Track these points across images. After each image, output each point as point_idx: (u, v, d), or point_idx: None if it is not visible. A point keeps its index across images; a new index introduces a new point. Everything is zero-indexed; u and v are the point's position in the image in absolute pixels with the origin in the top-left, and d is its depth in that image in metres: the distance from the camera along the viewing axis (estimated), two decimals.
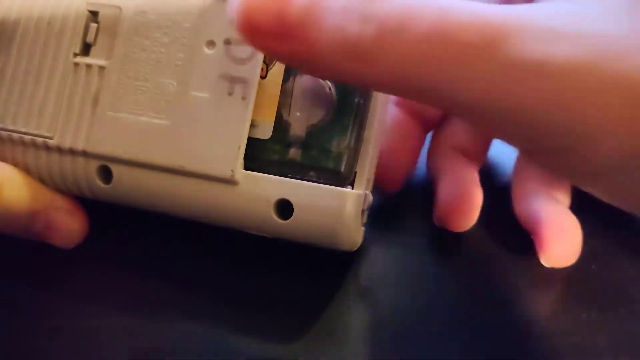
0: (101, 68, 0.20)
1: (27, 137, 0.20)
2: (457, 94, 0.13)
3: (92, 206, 0.21)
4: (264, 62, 0.19)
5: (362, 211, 0.20)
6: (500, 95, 0.13)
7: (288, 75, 0.19)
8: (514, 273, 0.22)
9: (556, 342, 0.20)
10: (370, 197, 0.20)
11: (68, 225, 0.21)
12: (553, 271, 0.21)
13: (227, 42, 0.19)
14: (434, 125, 0.24)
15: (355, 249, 0.20)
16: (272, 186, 0.18)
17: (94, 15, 0.20)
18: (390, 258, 0.22)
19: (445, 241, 0.23)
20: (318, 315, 0.21)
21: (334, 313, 0.21)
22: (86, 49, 0.20)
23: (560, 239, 0.20)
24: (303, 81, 0.19)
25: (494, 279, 0.22)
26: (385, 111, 0.21)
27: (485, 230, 0.23)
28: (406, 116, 0.23)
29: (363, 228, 0.21)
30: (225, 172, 0.18)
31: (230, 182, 0.19)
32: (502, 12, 0.13)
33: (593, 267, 0.22)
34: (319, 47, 0.14)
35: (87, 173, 0.20)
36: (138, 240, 0.23)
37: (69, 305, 0.21)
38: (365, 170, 0.19)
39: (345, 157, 0.18)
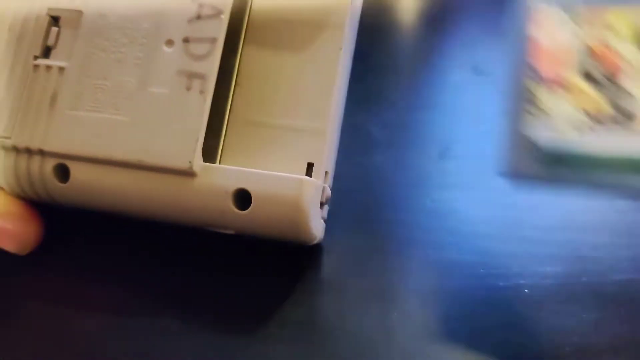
0: (61, 69, 0.20)
1: None
2: None
3: (50, 213, 0.21)
4: None
5: (321, 204, 0.20)
6: None
7: None
8: (509, 270, 0.22)
9: (556, 342, 0.20)
10: (329, 191, 0.20)
11: (21, 232, 0.21)
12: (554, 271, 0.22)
13: (186, 40, 0.19)
14: None
15: (315, 242, 0.20)
16: (231, 176, 0.19)
17: (55, 20, 0.21)
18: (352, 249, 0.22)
19: (420, 232, 0.23)
20: (282, 309, 0.20)
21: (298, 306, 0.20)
22: (46, 52, 0.21)
23: None
24: None
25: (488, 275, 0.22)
26: (342, 98, 0.21)
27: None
28: None
29: (323, 223, 0.21)
30: (183, 164, 0.19)
31: (188, 174, 0.19)
32: None
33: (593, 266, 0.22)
34: None
35: (43, 172, 0.20)
36: (100, 245, 0.22)
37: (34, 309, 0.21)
38: (323, 162, 0.19)
39: None
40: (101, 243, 0.22)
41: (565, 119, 0.17)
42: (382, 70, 0.25)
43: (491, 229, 0.23)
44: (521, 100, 0.17)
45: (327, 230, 0.21)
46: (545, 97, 0.17)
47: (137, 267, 0.22)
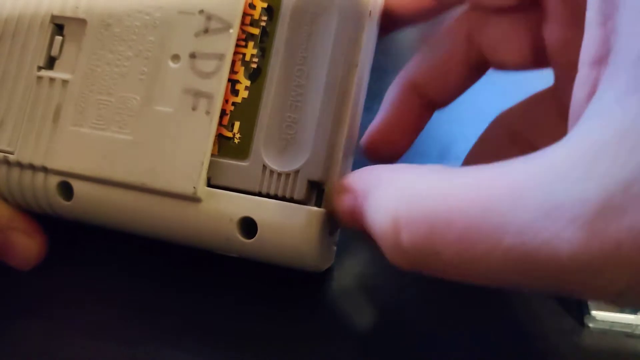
0: (64, 82, 0.19)
1: None
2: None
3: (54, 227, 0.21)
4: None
5: (331, 231, 0.19)
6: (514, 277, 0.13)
7: None
8: None
9: (557, 342, 0.20)
10: None
11: (25, 247, 0.20)
12: None
13: (192, 55, 0.18)
14: (440, 105, 0.21)
15: (324, 269, 0.19)
16: (236, 204, 0.18)
17: (59, 28, 0.20)
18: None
19: None
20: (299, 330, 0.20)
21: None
22: (50, 63, 0.20)
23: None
24: None
25: None
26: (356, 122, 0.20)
27: None
28: (407, 94, 0.21)
29: (334, 247, 0.20)
30: (187, 189, 0.18)
31: (192, 199, 0.18)
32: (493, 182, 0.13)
33: None
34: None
35: (47, 189, 0.19)
36: (105, 261, 0.22)
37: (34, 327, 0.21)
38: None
39: None
40: (105, 259, 0.22)
41: None
42: (382, 70, 0.24)
43: None
44: None
45: None
46: None
47: (142, 284, 0.21)
